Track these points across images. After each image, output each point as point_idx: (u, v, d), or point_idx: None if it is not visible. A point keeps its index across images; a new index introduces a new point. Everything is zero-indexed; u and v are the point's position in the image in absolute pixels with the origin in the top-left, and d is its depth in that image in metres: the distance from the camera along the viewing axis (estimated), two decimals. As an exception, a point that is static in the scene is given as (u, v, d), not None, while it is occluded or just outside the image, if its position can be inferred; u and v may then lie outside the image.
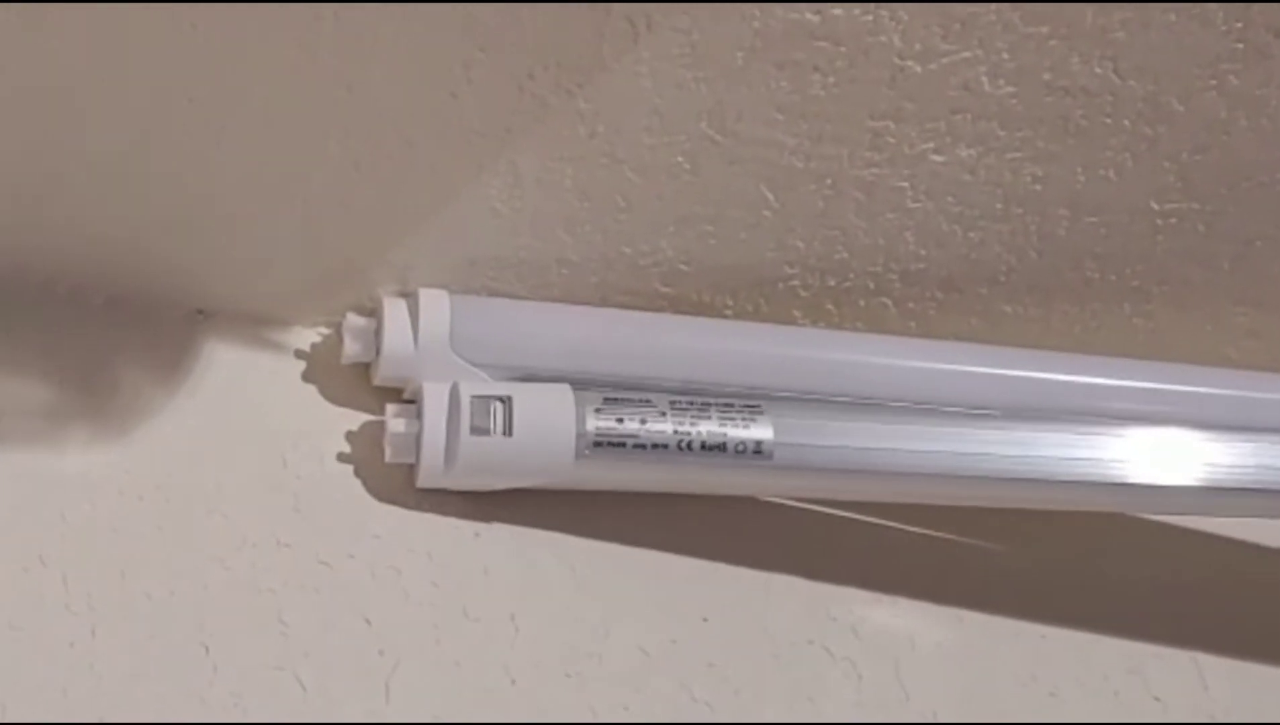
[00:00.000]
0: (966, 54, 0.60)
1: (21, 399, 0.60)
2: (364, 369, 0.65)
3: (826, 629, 0.66)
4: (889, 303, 0.71)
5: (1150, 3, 0.59)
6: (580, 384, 0.62)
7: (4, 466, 0.58)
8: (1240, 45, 0.62)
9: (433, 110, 0.58)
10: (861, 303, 0.70)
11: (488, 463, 0.60)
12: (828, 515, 0.70)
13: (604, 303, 0.67)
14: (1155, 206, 0.68)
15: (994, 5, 0.59)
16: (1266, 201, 0.69)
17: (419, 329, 0.62)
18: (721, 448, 0.61)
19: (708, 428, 0.61)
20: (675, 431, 0.61)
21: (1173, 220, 0.69)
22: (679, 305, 0.68)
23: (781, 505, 0.69)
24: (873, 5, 0.58)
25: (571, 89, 0.58)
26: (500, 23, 0.55)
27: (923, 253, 0.68)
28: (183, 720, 0.54)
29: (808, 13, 0.57)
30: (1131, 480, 0.65)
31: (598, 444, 0.60)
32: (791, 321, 0.70)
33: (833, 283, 0.69)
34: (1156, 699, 0.69)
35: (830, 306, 0.70)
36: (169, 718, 0.54)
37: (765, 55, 0.59)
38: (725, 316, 0.69)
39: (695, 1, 0.55)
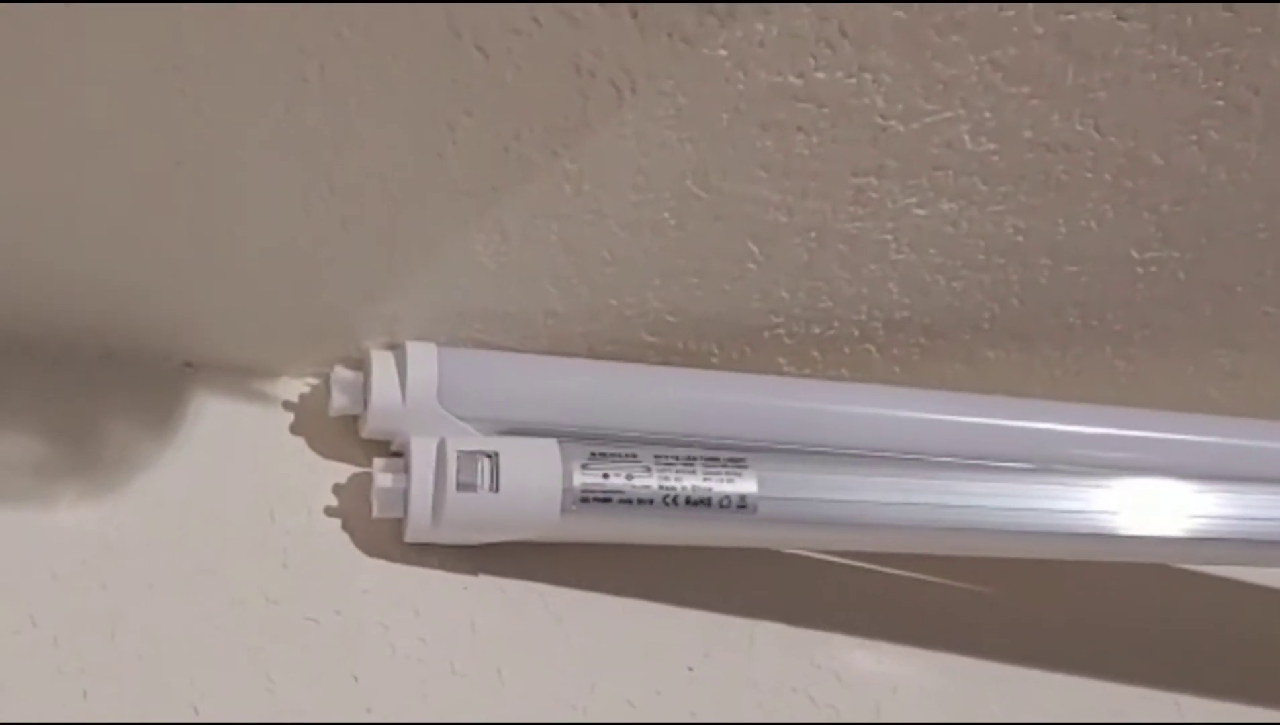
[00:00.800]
0: (949, 114, 0.61)
1: (11, 455, 0.60)
2: (352, 420, 0.65)
3: (810, 676, 0.66)
4: (873, 349, 0.71)
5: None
6: (566, 436, 0.63)
7: (-5, 524, 0.58)
8: (1220, 102, 0.62)
9: (419, 170, 0.58)
10: (846, 350, 0.71)
11: (475, 518, 0.61)
12: (811, 560, 0.70)
13: (590, 352, 0.68)
14: (1135, 255, 0.69)
15: (976, 68, 0.59)
16: (1246, 249, 0.70)
17: (406, 383, 0.63)
18: (706, 502, 0.62)
19: (692, 482, 0.62)
20: (660, 486, 0.62)
21: (1153, 268, 0.70)
22: (665, 354, 0.69)
23: (765, 552, 0.69)
24: (856, 69, 0.58)
25: (557, 149, 0.59)
26: (486, 86, 0.56)
27: (906, 301, 0.69)
28: (172, 780, 0.55)
29: (791, 76, 0.58)
30: (1115, 532, 0.66)
31: (584, 500, 0.61)
32: (777, 368, 0.71)
33: (817, 331, 0.70)
34: (1138, 741, 0.70)
35: (815, 353, 0.71)
36: (159, 778, 0.55)
37: (749, 116, 0.59)
38: (711, 364, 0.70)
39: None
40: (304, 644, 0.59)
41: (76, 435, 0.62)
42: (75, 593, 0.58)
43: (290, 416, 0.65)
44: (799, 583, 0.70)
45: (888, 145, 0.61)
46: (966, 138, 0.62)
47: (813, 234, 0.65)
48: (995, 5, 0.57)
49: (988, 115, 0.61)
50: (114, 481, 0.61)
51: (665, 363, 0.69)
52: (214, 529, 0.61)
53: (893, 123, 0.61)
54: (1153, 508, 0.67)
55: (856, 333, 0.70)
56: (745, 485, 0.62)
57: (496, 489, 0.60)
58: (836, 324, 0.69)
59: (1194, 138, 0.64)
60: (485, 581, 0.63)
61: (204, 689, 0.57)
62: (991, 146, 0.62)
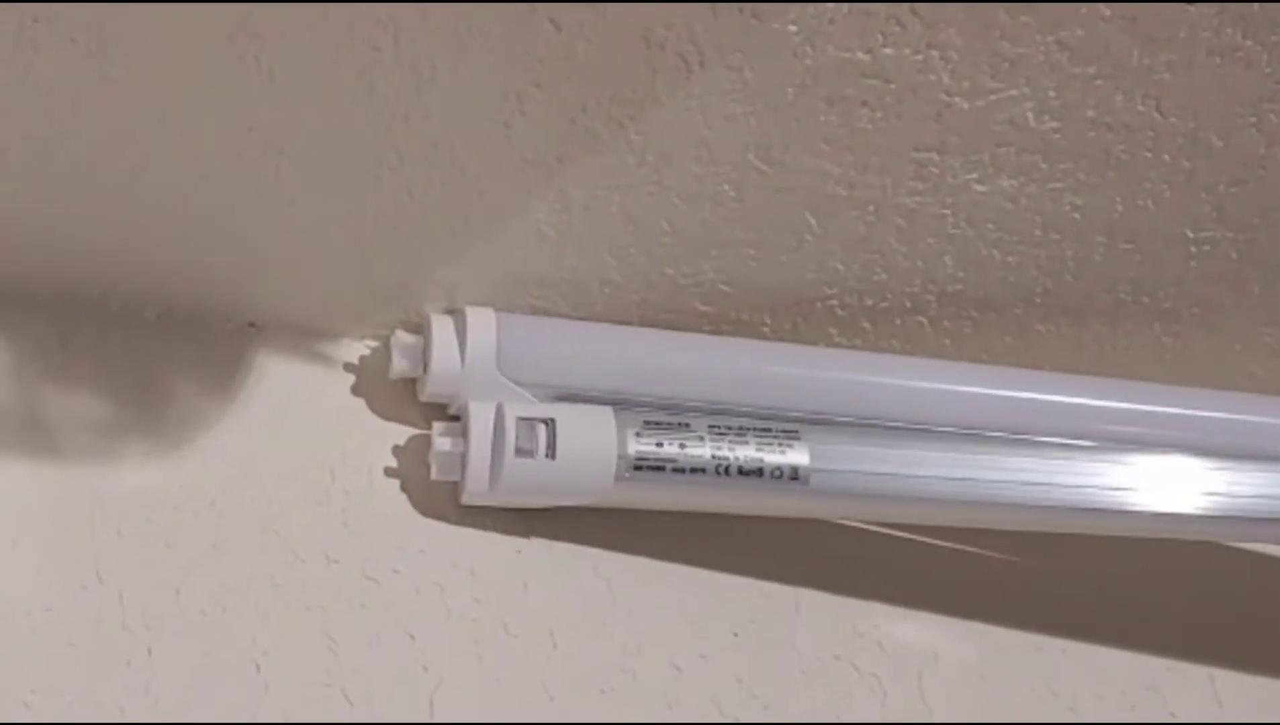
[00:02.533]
0: (1013, 91, 0.61)
1: (78, 414, 0.61)
2: (411, 383, 0.66)
3: (852, 644, 0.67)
4: (925, 322, 0.72)
5: None
6: (620, 403, 0.64)
7: (63, 482, 0.59)
8: (1282, 85, 0.62)
9: (486, 140, 0.59)
10: (898, 321, 0.71)
11: (531, 483, 0.62)
12: (854, 530, 0.71)
13: (644, 320, 0.68)
14: (1190, 234, 0.69)
15: (1043, 47, 0.59)
16: (1299, 230, 0.70)
17: (466, 348, 0.63)
18: (758, 472, 0.63)
19: (745, 453, 0.63)
20: (713, 456, 0.62)
21: (1206, 247, 0.70)
22: (717, 323, 0.69)
23: (809, 520, 0.70)
24: (924, 46, 0.58)
25: (623, 121, 0.59)
26: (557, 58, 0.56)
27: (961, 275, 0.69)
28: (235, 737, 0.56)
29: (859, 52, 0.58)
30: (1156, 509, 0.67)
31: (638, 467, 0.62)
32: (828, 339, 0.71)
33: (870, 302, 0.70)
34: (1172, 714, 0.71)
35: (866, 324, 0.71)
36: (221, 734, 0.56)
37: (815, 91, 0.59)
38: (762, 334, 0.70)
39: None
40: (363, 603, 0.60)
41: (142, 395, 0.62)
42: (141, 550, 0.59)
43: (351, 378, 0.66)
44: (843, 551, 0.70)
45: (951, 122, 0.62)
46: (1030, 116, 0.62)
47: (871, 208, 0.65)
48: (1067, -13, 0.57)
49: (1052, 94, 0.61)
50: (179, 441, 0.62)
51: (717, 332, 0.70)
52: (276, 489, 0.62)
53: (957, 100, 0.61)
54: (1194, 485, 0.68)
55: (909, 305, 0.70)
56: (797, 457, 0.63)
57: (553, 455, 0.61)
58: (890, 296, 0.70)
59: (1254, 120, 0.64)
60: (538, 544, 0.64)
61: (265, 646, 0.58)
62: (1054, 125, 0.63)
